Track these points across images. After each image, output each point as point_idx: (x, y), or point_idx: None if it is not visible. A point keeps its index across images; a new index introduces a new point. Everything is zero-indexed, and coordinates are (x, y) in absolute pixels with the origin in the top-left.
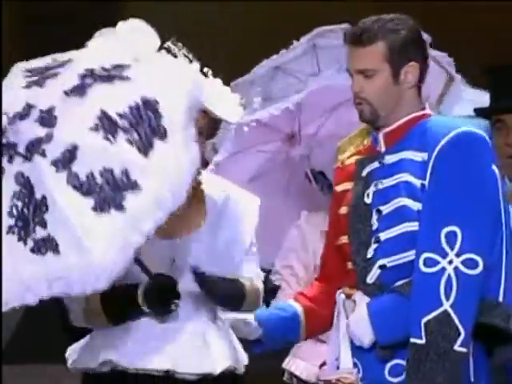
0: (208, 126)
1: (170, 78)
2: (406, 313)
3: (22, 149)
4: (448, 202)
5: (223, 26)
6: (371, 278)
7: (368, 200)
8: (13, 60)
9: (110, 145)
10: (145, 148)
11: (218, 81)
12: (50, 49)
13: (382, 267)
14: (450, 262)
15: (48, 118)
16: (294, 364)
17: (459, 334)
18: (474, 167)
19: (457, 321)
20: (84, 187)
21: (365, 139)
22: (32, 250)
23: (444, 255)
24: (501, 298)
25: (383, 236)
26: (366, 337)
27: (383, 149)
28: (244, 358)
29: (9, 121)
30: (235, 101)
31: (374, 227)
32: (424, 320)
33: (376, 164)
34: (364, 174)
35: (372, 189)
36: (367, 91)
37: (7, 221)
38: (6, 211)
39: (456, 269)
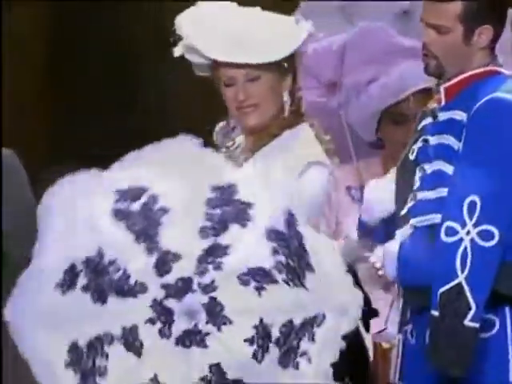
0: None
1: None
2: (431, 258)
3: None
4: (472, 171)
5: None
6: (403, 235)
7: (412, 156)
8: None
9: None
10: None
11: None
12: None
13: (413, 227)
14: (468, 233)
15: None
16: None
17: (470, 309)
18: (499, 136)
19: (469, 294)
20: None
21: None
22: None
23: (463, 225)
24: None
25: (419, 195)
26: (390, 270)
27: (443, 103)
28: None
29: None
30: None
31: (416, 185)
32: (440, 291)
33: (430, 119)
34: (419, 127)
35: (418, 144)
36: (437, 46)
37: None
38: None
39: (472, 240)
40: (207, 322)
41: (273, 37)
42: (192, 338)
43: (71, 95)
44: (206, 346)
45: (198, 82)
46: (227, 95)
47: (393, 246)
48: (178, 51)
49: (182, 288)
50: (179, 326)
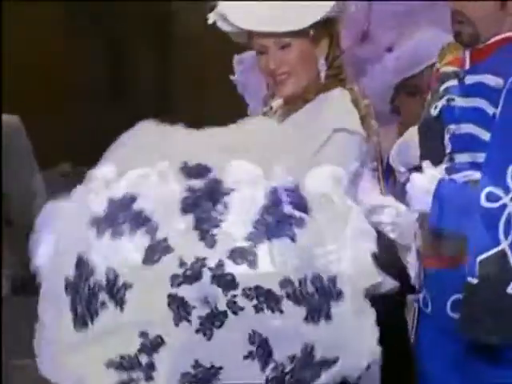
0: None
1: None
2: (469, 201)
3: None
4: None
5: None
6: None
7: (434, 112)
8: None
9: None
10: None
11: None
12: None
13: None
14: None
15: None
16: None
17: None
18: None
19: None
20: None
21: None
22: None
23: (507, 191)
24: None
25: (456, 158)
26: (419, 202)
27: (467, 67)
28: None
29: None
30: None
31: (448, 147)
32: (479, 258)
33: (455, 82)
34: (442, 89)
35: (443, 102)
36: (474, 10)
37: None
38: None
39: None
40: (200, 318)
41: (299, 4)
42: (178, 311)
43: (71, 95)
44: (175, 331)
45: (198, 81)
46: (260, 63)
47: (423, 178)
48: (211, 18)
49: (225, 282)
50: (185, 292)
